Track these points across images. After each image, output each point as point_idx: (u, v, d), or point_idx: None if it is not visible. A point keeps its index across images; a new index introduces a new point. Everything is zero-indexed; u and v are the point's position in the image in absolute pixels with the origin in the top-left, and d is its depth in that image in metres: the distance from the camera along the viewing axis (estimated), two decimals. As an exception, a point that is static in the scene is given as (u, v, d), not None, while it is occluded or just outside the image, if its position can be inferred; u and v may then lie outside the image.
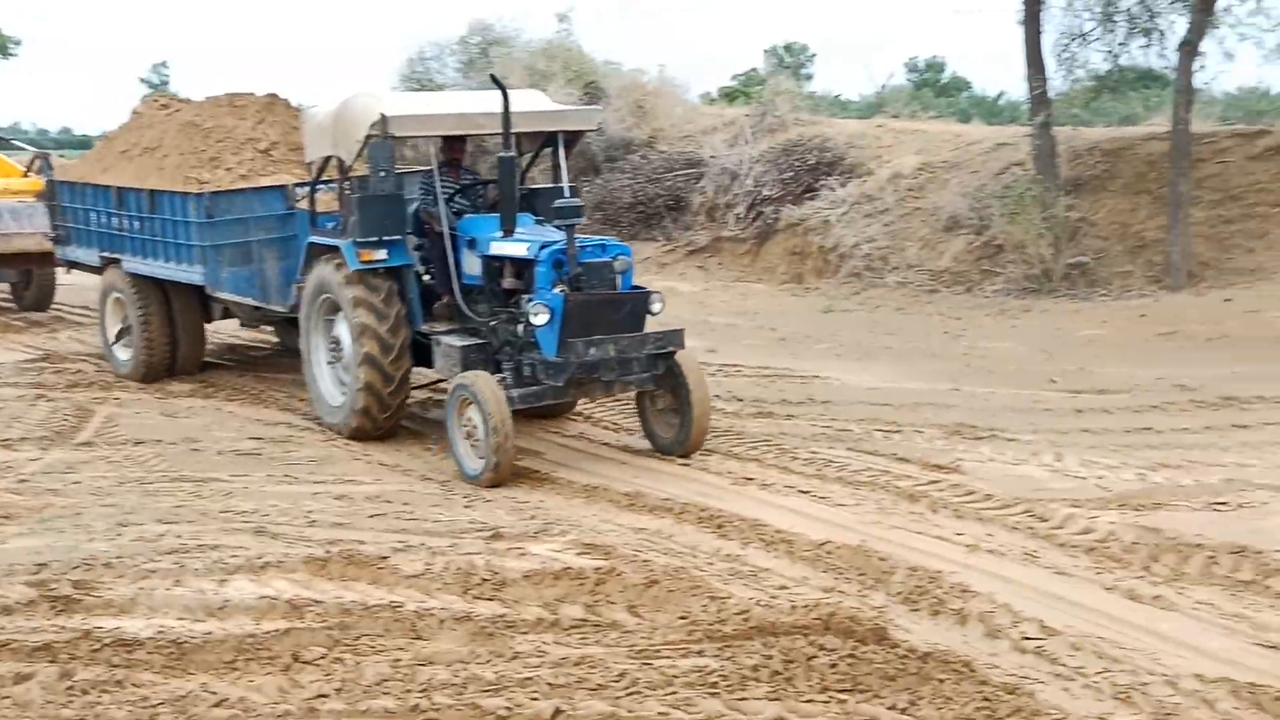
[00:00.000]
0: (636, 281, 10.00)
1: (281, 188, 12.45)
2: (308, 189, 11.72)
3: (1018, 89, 33.51)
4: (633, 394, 10.26)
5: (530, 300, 9.49)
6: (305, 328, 11.24)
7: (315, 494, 9.07)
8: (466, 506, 8.82)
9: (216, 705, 5.49)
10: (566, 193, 10.71)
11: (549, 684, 5.63)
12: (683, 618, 6.44)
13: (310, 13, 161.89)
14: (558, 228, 9.60)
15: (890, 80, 38.11)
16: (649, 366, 9.69)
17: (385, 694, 5.59)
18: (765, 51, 45.01)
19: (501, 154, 9.76)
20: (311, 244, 11.15)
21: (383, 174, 10.05)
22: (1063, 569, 7.19)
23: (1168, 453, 9.61)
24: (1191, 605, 6.60)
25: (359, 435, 10.70)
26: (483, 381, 9.32)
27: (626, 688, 5.56)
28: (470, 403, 9.34)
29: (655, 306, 9.73)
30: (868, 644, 5.88)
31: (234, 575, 7.08)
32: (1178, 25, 18.50)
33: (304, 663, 5.92)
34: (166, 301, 13.47)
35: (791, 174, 22.07)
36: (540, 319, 9.30)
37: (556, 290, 9.40)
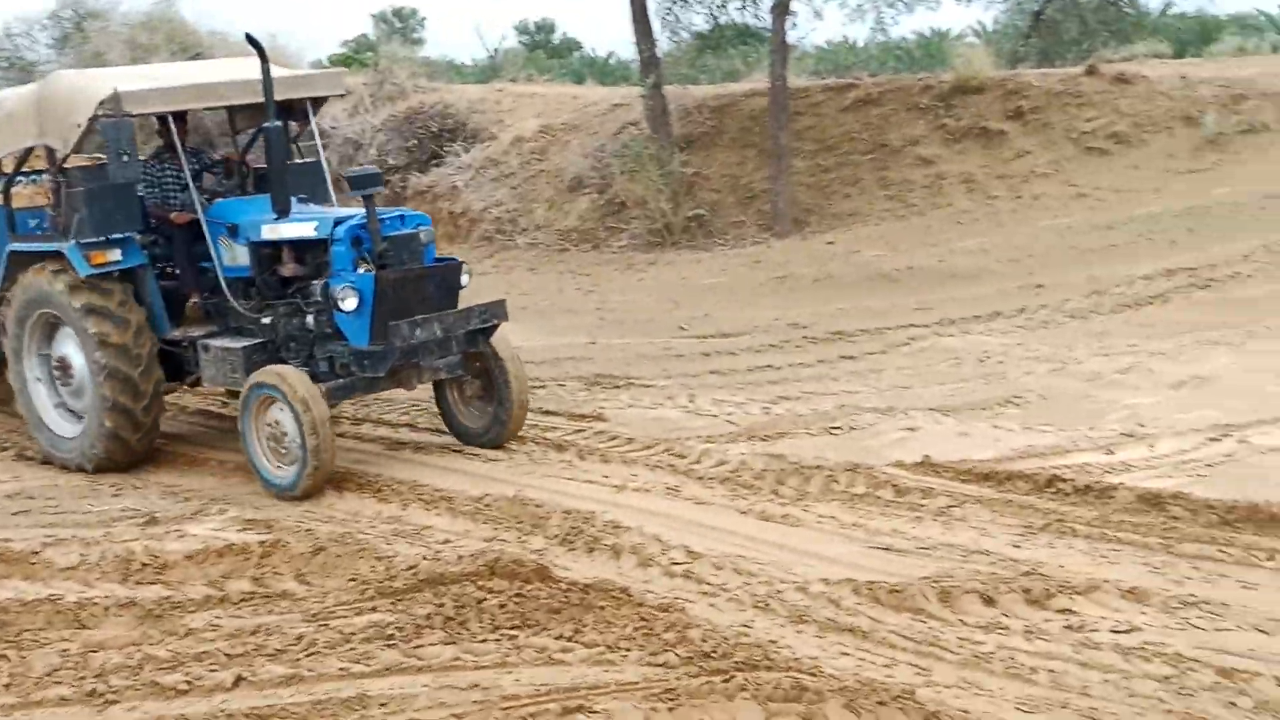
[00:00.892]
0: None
1: None
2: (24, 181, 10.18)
3: (626, 50, 34.61)
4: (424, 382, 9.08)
5: (329, 285, 8.44)
6: (14, 352, 9.62)
7: (-51, 498, 8.69)
8: (115, 495, 8.69)
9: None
10: (324, 167, 9.86)
11: (226, 655, 5.74)
12: (352, 580, 6.66)
13: None
14: (362, 199, 8.37)
15: (503, 44, 38.48)
16: (469, 344, 8.80)
17: (58, 683, 5.57)
18: (374, 16, 44.40)
19: (267, 124, 8.76)
20: (13, 253, 9.61)
21: (125, 157, 8.39)
22: (703, 499, 7.79)
23: (786, 386, 10.48)
24: (815, 519, 7.32)
25: (108, 464, 9.15)
26: (294, 378, 8.18)
27: (305, 649, 5.74)
28: (273, 403, 8.24)
29: (464, 279, 8.88)
30: (531, 583, 6.26)
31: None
32: (771, -13, 19.74)
33: (-35, 664, 5.79)
34: None
35: (416, 141, 22.19)
36: (350, 303, 8.26)
37: (361, 270, 8.38)
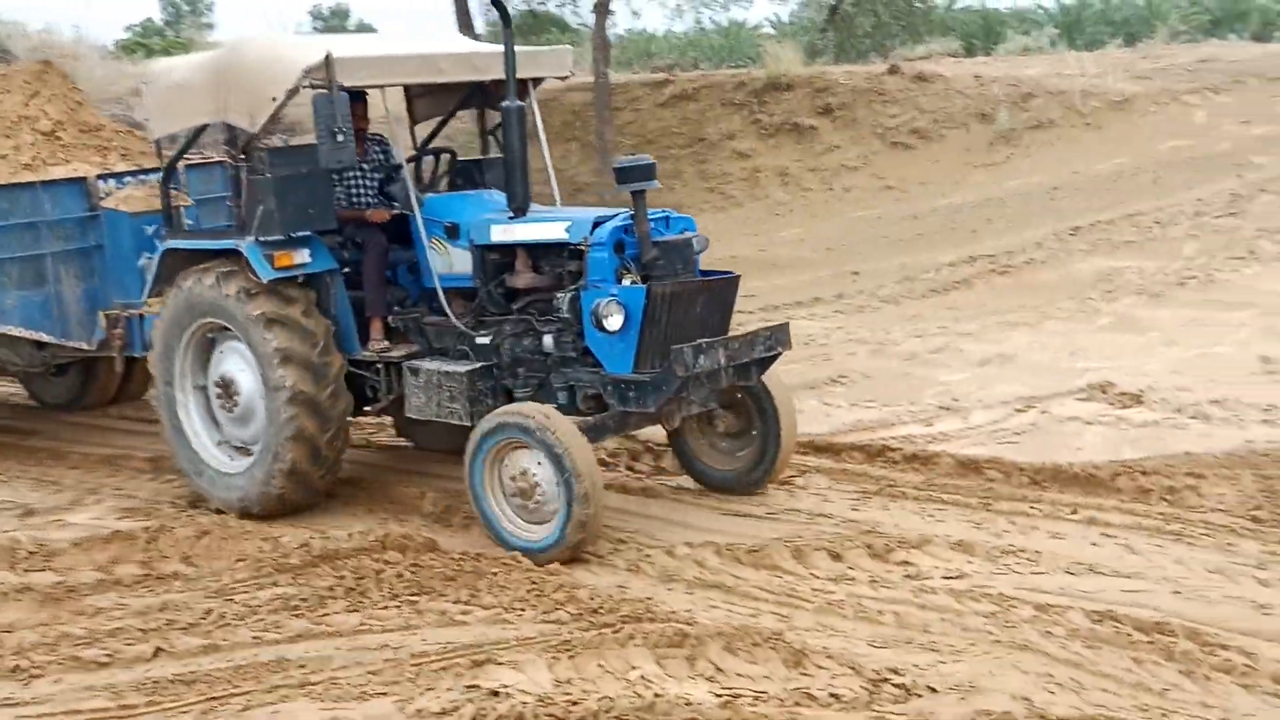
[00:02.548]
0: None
1: (79, 181, 9.44)
2: (116, 183, 9.42)
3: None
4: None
5: (581, 298, 7.03)
6: (166, 372, 8.17)
7: None
8: (-17, 488, 8.83)
9: None
10: (548, 162, 8.43)
11: (140, 630, 6.10)
12: (241, 560, 7.04)
13: None
14: (631, 197, 6.93)
15: (297, 29, 38.17)
16: (740, 376, 7.29)
17: (-25, 663, 5.84)
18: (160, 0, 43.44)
19: (508, 104, 7.37)
20: (171, 251, 8.14)
21: (339, 137, 7.10)
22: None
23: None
24: (671, 492, 7.98)
25: (278, 508, 7.75)
26: (554, 420, 6.69)
27: (216, 622, 6.14)
28: (519, 448, 6.80)
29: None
30: (424, 554, 6.77)
31: None
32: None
33: None
34: None
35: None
36: (615, 321, 6.82)
37: (626, 282, 6.97)
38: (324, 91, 7.14)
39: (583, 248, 7.05)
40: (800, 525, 7.24)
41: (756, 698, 5.13)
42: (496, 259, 7.54)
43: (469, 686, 5.21)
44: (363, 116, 8.14)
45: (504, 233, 7.45)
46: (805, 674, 5.32)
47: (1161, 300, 12.12)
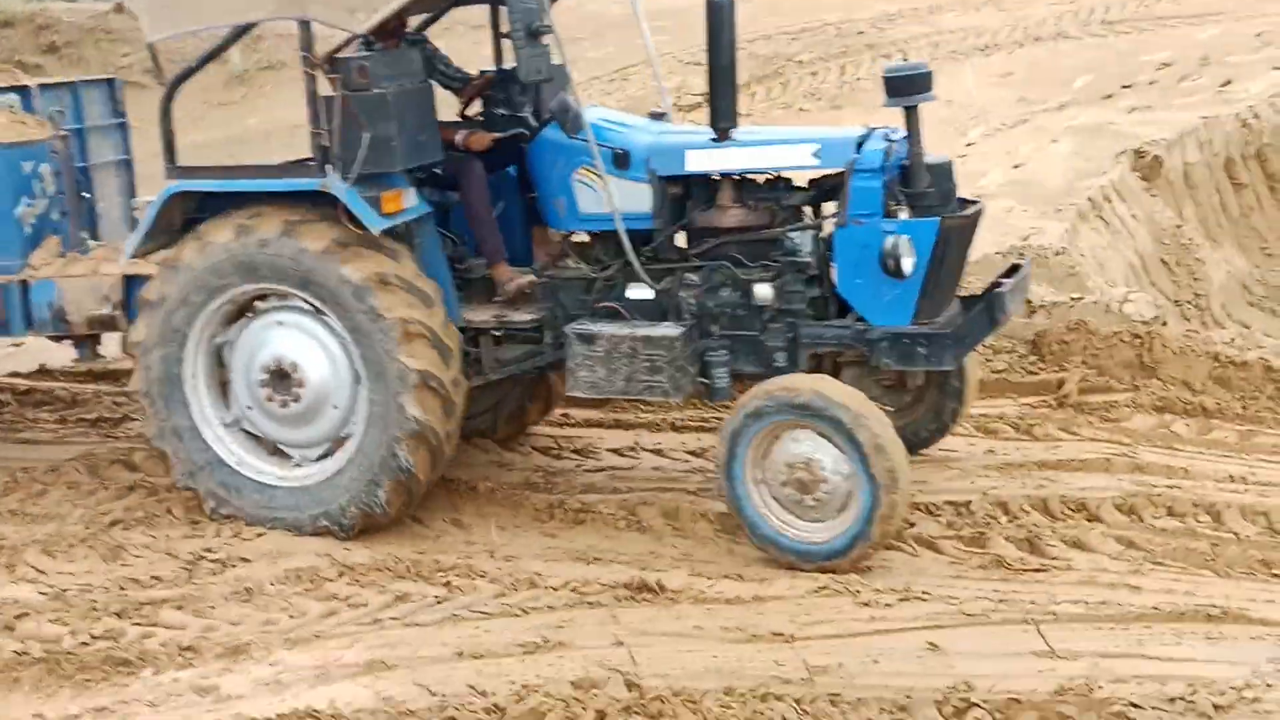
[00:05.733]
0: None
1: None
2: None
3: None
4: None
5: (843, 235, 5.84)
6: (173, 355, 6.22)
7: None
8: None
9: None
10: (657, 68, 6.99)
11: None
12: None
13: None
14: (903, 112, 5.75)
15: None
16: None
17: None
18: None
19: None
20: (178, 196, 6.17)
21: (544, 36, 5.67)
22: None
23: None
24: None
25: (368, 525, 6.12)
26: (855, 399, 5.54)
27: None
28: (794, 430, 5.60)
29: None
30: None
31: None
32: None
33: None
34: None
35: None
36: (910, 263, 5.67)
37: (902, 216, 5.81)
38: None
39: (840, 175, 5.92)
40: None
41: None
42: (685, 193, 6.23)
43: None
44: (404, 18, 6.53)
45: (706, 160, 6.09)
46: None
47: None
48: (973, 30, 17.60)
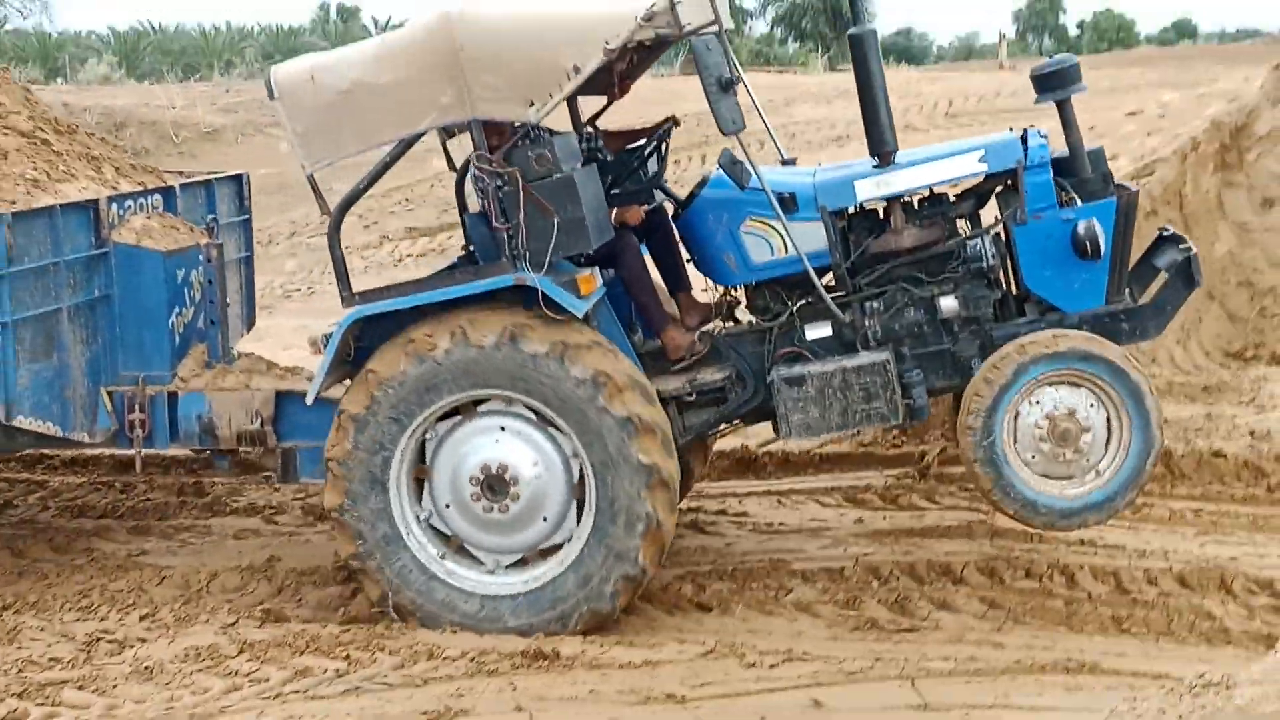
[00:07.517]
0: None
1: (91, 206, 6.78)
2: (117, 208, 6.85)
3: None
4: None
5: (1023, 233, 6.11)
6: (371, 484, 6.00)
7: None
8: None
9: None
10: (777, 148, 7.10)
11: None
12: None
13: None
14: (1057, 107, 6.21)
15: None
16: None
17: None
18: None
19: (856, 30, 6.24)
20: (365, 321, 6.01)
21: (733, 88, 5.66)
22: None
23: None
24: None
25: (595, 624, 5.97)
26: (1125, 359, 5.89)
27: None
28: (1058, 384, 5.86)
29: None
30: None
31: None
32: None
33: None
34: None
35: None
36: (1104, 242, 6.01)
37: (1078, 204, 6.13)
38: (711, 30, 5.72)
39: (1013, 175, 6.19)
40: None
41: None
42: (858, 223, 6.37)
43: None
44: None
45: (875, 186, 6.26)
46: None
47: (273, 311, 13.42)
48: (826, 122, 18.54)
